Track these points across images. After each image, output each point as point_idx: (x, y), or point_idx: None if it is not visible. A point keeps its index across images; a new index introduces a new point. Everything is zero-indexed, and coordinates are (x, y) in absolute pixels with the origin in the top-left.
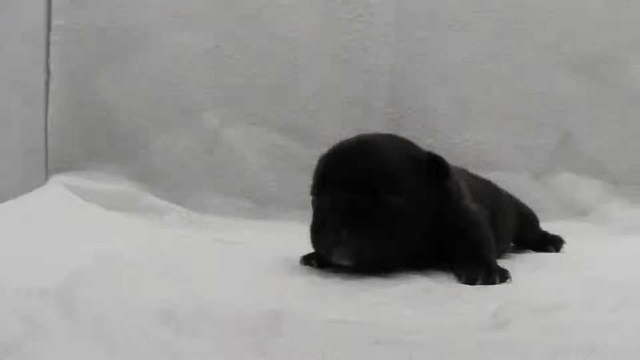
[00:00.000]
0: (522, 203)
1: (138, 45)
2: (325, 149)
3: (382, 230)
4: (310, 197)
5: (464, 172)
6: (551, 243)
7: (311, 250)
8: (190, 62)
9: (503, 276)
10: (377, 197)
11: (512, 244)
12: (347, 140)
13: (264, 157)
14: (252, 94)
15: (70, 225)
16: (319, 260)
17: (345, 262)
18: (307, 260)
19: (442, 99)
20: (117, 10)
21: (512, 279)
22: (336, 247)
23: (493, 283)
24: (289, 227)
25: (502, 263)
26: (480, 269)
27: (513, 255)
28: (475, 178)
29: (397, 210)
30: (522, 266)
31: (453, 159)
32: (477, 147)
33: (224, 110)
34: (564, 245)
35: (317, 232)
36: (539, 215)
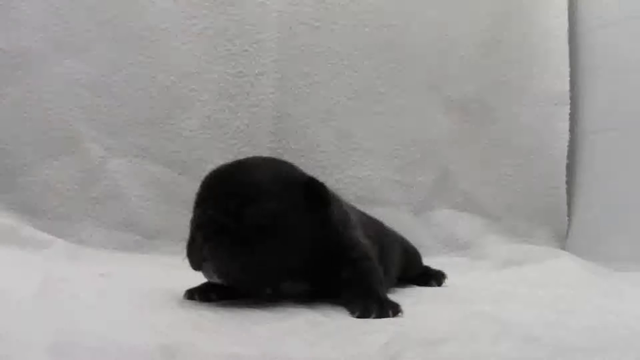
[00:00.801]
0: (406, 240)
1: (20, 70)
2: None
3: (239, 248)
4: None
5: (353, 208)
6: (433, 277)
7: (196, 284)
8: (74, 90)
9: (395, 309)
10: (236, 216)
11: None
12: (226, 163)
13: (148, 190)
14: (138, 125)
15: None
16: (202, 294)
17: (214, 278)
18: (190, 294)
19: (325, 135)
20: None
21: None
22: (202, 263)
23: (387, 316)
24: (174, 261)
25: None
26: (373, 303)
27: (397, 289)
28: (363, 214)
29: (255, 230)
30: (407, 300)
31: (341, 195)
32: (359, 183)
33: (109, 141)
34: (446, 280)
35: (188, 249)
36: (420, 251)
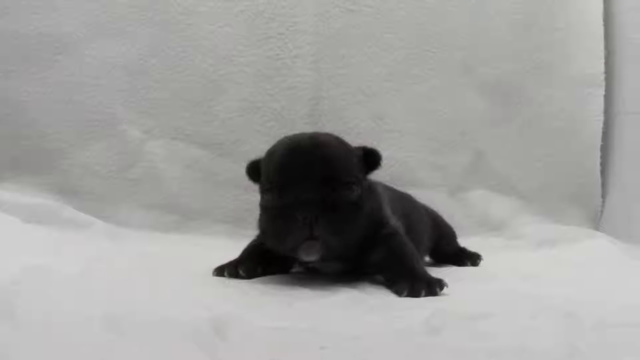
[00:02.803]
0: (440, 217)
1: (59, 54)
2: (244, 164)
3: (347, 222)
4: (263, 195)
5: (379, 182)
6: (468, 258)
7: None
8: (113, 73)
9: (441, 285)
10: (338, 190)
11: (428, 258)
12: (296, 137)
13: (186, 171)
14: (174, 107)
15: None
16: (231, 270)
17: (313, 257)
18: (220, 271)
19: (361, 116)
20: (37, 18)
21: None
22: (306, 242)
23: (436, 294)
24: (211, 241)
25: None
26: (419, 282)
27: (434, 268)
28: (389, 188)
29: (355, 202)
30: (445, 279)
31: (373, 176)
32: (395, 164)
33: (146, 123)
34: (481, 261)
35: (282, 229)
36: (455, 231)
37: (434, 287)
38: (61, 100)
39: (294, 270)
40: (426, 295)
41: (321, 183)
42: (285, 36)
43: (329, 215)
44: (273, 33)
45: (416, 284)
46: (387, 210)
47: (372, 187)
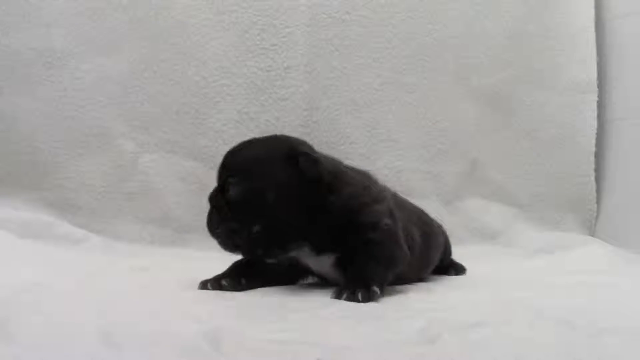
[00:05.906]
0: (445, 231)
1: (51, 69)
2: None
3: (228, 221)
4: None
5: (394, 194)
6: (454, 267)
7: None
8: (106, 87)
9: (367, 297)
10: (224, 192)
11: None
12: None
13: (181, 184)
14: (168, 120)
15: None
16: (214, 283)
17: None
18: (204, 284)
19: (354, 126)
20: (29, 33)
21: (427, 298)
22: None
23: (357, 301)
24: (206, 254)
25: (420, 285)
26: (357, 285)
27: (430, 277)
28: (407, 202)
29: (235, 201)
30: (440, 288)
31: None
32: (389, 174)
33: (141, 136)
34: (475, 269)
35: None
36: (451, 240)
37: (356, 295)
38: (54, 115)
39: (306, 281)
40: (346, 299)
41: (218, 184)
42: (278, 47)
43: (213, 214)
44: (266, 44)
45: (353, 288)
46: (381, 209)
47: (331, 189)
